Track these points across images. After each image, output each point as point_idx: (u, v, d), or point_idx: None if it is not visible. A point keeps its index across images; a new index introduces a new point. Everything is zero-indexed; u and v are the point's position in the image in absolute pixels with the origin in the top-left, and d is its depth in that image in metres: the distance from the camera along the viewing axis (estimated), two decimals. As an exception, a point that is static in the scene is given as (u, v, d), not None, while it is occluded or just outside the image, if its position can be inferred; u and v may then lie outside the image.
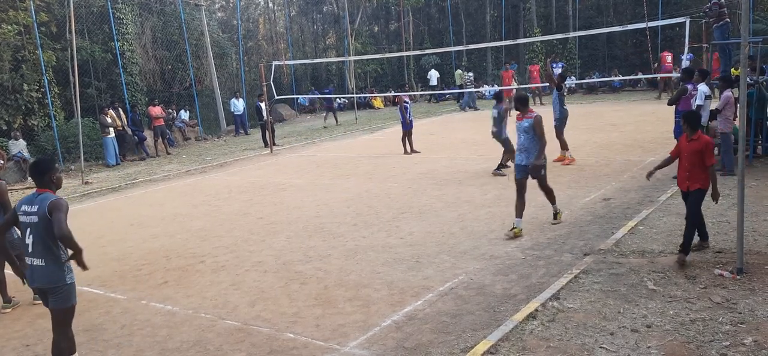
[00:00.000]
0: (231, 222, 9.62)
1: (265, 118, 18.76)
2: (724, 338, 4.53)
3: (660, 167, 6.56)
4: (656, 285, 5.59)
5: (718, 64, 12.80)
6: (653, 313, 5.02)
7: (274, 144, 18.85)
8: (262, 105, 18.95)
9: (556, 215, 8.05)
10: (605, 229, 7.51)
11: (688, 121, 6.13)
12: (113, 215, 11.13)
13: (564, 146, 12.00)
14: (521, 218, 7.60)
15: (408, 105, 15.26)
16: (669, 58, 24.46)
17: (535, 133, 7.50)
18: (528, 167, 7.58)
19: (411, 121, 15.17)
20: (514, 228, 7.56)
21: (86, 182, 15.14)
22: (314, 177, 12.98)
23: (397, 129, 20.56)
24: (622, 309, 5.15)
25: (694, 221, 6.03)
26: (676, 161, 6.32)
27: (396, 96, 16.47)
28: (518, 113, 7.76)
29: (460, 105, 26.53)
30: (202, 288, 6.67)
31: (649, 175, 6.59)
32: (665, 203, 8.46)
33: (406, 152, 15.13)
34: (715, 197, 6.09)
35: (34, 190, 4.59)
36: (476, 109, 25.35)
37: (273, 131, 19.24)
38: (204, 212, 10.55)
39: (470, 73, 28.62)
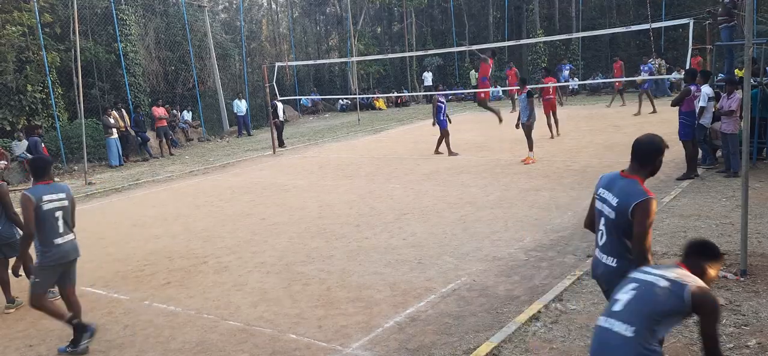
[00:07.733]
0: (233, 223, 9.63)
1: (280, 117, 19.05)
2: (727, 340, 4.51)
3: None
4: (659, 286, 5.57)
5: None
6: (656, 315, 5.00)
7: (282, 145, 18.97)
8: (279, 105, 19.22)
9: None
10: (608, 230, 7.48)
11: None
12: (116, 216, 11.15)
13: (531, 147, 12.68)
14: None
15: (442, 105, 14.37)
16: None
17: None
18: None
19: (443, 120, 14.28)
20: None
21: (89, 183, 15.17)
22: (317, 178, 12.98)
23: (399, 130, 20.56)
24: (625, 310, 5.13)
25: None
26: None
27: (434, 95, 15.42)
28: None
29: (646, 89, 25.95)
30: (205, 288, 6.68)
31: None
32: (668, 204, 8.44)
33: (451, 153, 14.27)
34: None
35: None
36: (668, 94, 24.31)
37: (281, 131, 19.37)
38: (207, 213, 10.56)
39: (661, 61, 25.41)
